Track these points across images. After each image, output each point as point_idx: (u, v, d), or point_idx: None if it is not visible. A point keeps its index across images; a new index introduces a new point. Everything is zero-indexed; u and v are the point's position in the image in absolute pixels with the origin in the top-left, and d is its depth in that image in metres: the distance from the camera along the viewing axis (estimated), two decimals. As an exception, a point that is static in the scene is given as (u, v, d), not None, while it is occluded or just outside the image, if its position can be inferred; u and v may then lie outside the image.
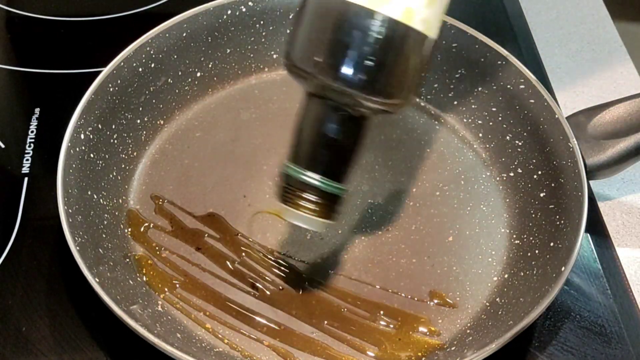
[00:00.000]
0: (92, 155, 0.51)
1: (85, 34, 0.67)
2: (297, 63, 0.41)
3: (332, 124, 0.42)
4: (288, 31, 0.60)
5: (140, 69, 0.55)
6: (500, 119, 0.57)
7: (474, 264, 0.51)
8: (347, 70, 0.39)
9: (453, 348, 0.46)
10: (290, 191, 0.43)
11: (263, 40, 0.61)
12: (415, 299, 0.49)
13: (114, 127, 0.53)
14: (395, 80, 0.41)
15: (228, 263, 0.50)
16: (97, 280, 0.44)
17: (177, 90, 0.58)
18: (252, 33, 0.60)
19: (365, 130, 0.44)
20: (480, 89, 0.57)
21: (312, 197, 0.43)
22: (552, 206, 0.50)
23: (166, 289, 0.49)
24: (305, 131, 0.43)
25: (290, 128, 0.58)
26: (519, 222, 0.53)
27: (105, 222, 0.50)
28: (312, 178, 0.42)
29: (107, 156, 0.52)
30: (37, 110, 0.60)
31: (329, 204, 0.43)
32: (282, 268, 0.50)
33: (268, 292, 0.49)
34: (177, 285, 0.49)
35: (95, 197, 0.50)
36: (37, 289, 0.49)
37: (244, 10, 0.59)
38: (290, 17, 0.60)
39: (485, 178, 0.56)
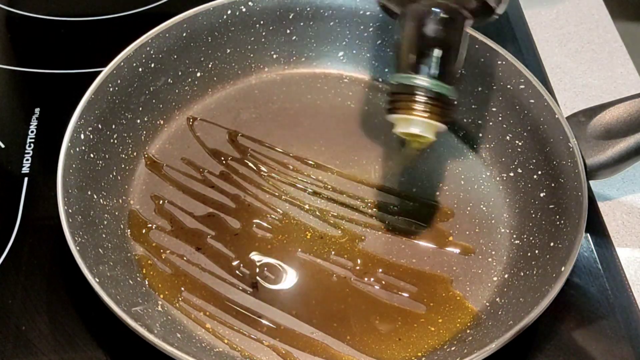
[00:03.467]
0: (92, 155, 0.51)
1: (85, 34, 0.67)
2: None
3: (432, 24, 0.45)
4: (288, 31, 0.60)
5: (140, 69, 0.55)
6: (500, 119, 0.57)
7: (474, 264, 0.51)
8: None
9: (453, 348, 0.46)
10: (400, 99, 0.44)
11: (263, 40, 0.61)
12: (415, 298, 0.49)
13: (114, 127, 0.53)
14: None
15: (228, 263, 0.50)
16: (97, 280, 0.44)
17: (177, 90, 0.58)
18: (252, 33, 0.60)
19: (464, 32, 0.46)
20: (480, 89, 0.57)
21: (423, 99, 0.43)
22: (552, 206, 0.50)
23: (166, 290, 0.49)
24: (407, 41, 0.45)
25: (290, 127, 0.59)
26: (519, 222, 0.53)
27: (105, 222, 0.50)
28: (420, 79, 0.43)
29: (107, 156, 0.52)
30: (37, 110, 0.60)
31: (440, 105, 0.44)
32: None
33: (267, 283, 0.49)
34: (182, 289, 0.49)
35: (95, 197, 0.50)
36: (37, 289, 0.49)
37: (244, 10, 0.59)
38: (291, 17, 0.60)
39: (485, 178, 0.56)
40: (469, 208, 0.54)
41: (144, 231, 0.52)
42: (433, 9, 0.45)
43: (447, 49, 0.45)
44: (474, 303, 0.49)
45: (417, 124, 0.44)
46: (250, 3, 0.59)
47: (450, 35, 0.45)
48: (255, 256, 0.51)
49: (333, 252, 0.51)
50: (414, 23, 0.45)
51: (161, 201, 0.53)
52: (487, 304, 0.49)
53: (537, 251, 0.50)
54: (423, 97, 0.44)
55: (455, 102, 0.45)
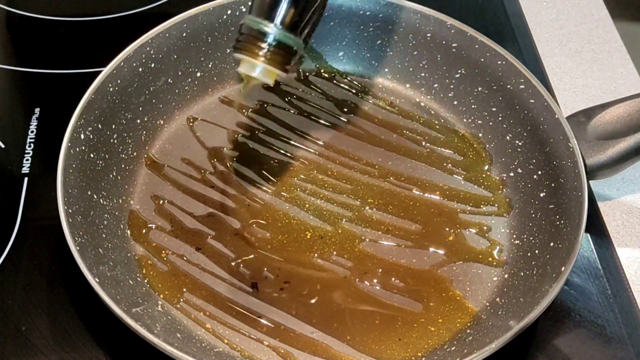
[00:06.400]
0: (92, 155, 0.51)
1: (85, 34, 0.67)
2: None
3: None
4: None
5: (140, 69, 0.55)
6: (500, 119, 0.57)
7: (474, 264, 0.51)
8: None
9: (453, 348, 0.46)
10: (246, 40, 0.45)
11: (263, 40, 0.60)
12: (415, 299, 0.49)
13: (114, 127, 0.53)
14: None
15: (228, 263, 0.50)
16: (97, 280, 0.44)
17: (177, 90, 0.58)
18: (252, 33, 0.60)
19: None
20: (480, 89, 0.57)
21: (265, 46, 0.45)
22: (552, 206, 0.50)
23: (166, 290, 0.49)
24: None
25: (290, 128, 0.59)
26: (519, 222, 0.53)
27: (105, 222, 0.50)
28: (268, 26, 0.45)
29: (107, 156, 0.52)
30: (37, 110, 0.60)
31: (282, 54, 0.45)
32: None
33: (268, 290, 0.49)
34: (183, 289, 0.49)
35: (95, 197, 0.50)
36: (37, 288, 0.49)
37: (244, 10, 0.59)
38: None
39: (486, 178, 0.56)
40: (469, 208, 0.54)
41: (144, 231, 0.52)
42: None
43: (303, 3, 0.46)
44: (474, 303, 0.49)
45: (257, 68, 0.46)
46: (250, 3, 0.59)
47: None
48: (255, 256, 0.51)
49: (333, 252, 0.51)
50: None
51: (161, 201, 0.53)
52: (487, 304, 0.49)
53: (537, 251, 0.50)
54: (266, 44, 0.45)
55: (299, 53, 0.46)
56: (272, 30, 0.45)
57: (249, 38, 0.45)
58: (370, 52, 0.61)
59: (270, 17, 0.45)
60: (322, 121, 0.59)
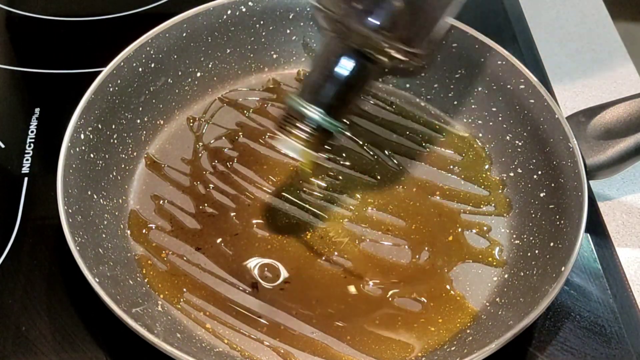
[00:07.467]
0: (92, 155, 0.51)
1: (85, 34, 0.67)
2: (326, 4, 0.43)
3: (346, 63, 0.44)
4: (288, 31, 0.60)
5: (140, 69, 0.55)
6: (500, 119, 0.57)
7: (474, 264, 0.51)
8: (372, 15, 0.41)
9: (453, 348, 0.46)
10: (287, 120, 0.45)
11: (263, 40, 0.61)
12: (415, 299, 0.49)
13: (114, 127, 0.53)
14: (418, 29, 0.43)
15: (228, 263, 0.50)
16: (97, 280, 0.44)
17: (177, 90, 0.58)
18: (252, 33, 0.60)
19: (373, 77, 0.46)
20: (480, 89, 0.57)
21: (307, 129, 0.45)
22: (552, 206, 0.50)
23: (166, 290, 0.49)
24: (317, 68, 0.46)
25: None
26: (519, 222, 0.53)
27: (105, 222, 0.50)
28: (311, 111, 0.44)
29: (107, 156, 0.52)
30: (37, 110, 0.60)
31: (320, 137, 0.45)
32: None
33: (269, 288, 0.49)
34: (184, 289, 0.49)
35: (95, 197, 0.50)
36: (37, 288, 0.49)
37: (244, 10, 0.59)
38: (291, 17, 0.60)
39: (485, 178, 0.56)
40: (469, 208, 0.54)
41: (144, 231, 0.52)
42: (354, 50, 0.44)
43: (349, 88, 0.45)
44: (474, 303, 0.49)
45: (294, 148, 0.45)
46: (250, 3, 0.59)
47: (359, 78, 0.45)
48: (255, 256, 0.51)
49: (333, 252, 0.51)
50: (330, 55, 0.45)
51: (161, 201, 0.53)
52: (487, 304, 0.49)
53: (537, 251, 0.50)
54: (306, 126, 0.45)
55: (335, 135, 0.46)
56: (315, 114, 0.44)
57: (290, 118, 0.45)
58: (370, 52, 0.61)
59: (315, 99, 0.45)
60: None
